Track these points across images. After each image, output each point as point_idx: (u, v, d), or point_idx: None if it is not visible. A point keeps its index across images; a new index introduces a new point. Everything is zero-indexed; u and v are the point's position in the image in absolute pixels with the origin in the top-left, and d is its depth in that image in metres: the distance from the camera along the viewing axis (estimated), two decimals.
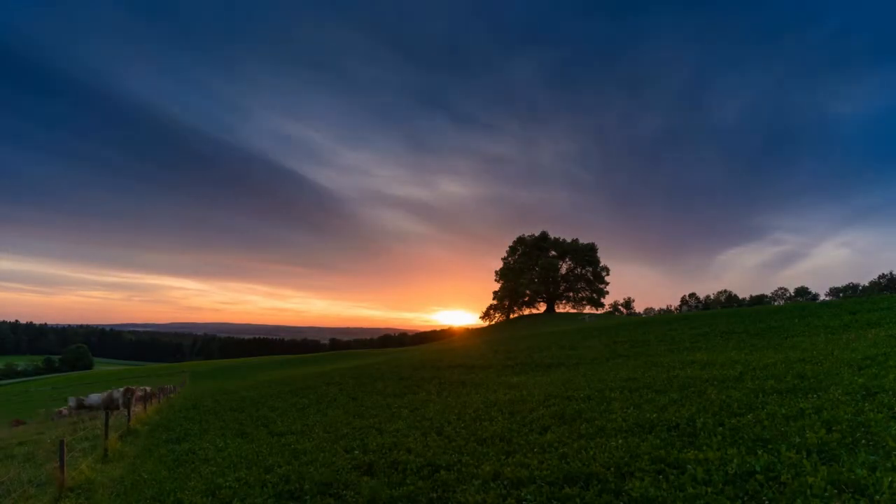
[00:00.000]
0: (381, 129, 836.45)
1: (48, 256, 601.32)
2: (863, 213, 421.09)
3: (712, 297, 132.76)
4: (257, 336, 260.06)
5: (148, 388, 26.79)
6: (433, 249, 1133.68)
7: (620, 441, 7.08)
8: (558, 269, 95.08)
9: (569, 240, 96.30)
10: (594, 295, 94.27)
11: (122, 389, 24.37)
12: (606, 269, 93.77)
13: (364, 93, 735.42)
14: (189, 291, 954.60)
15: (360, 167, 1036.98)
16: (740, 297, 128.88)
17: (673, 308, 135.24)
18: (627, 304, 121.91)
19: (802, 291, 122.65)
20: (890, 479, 4.45)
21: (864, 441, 5.59)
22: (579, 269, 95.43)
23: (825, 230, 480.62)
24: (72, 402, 26.32)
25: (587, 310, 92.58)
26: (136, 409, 19.21)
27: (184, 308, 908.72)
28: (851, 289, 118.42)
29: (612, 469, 6.02)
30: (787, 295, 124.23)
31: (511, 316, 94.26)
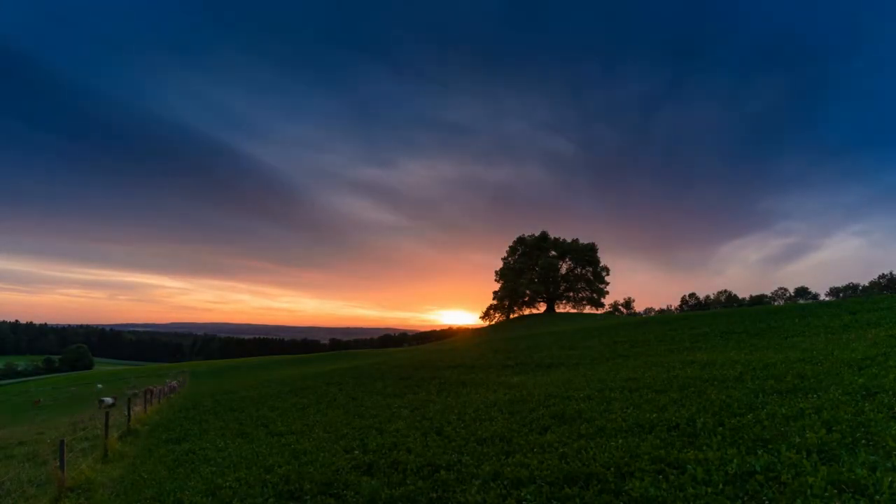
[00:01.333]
0: (307, 85, 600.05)
1: (15, 252, 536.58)
2: (887, 193, 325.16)
3: (712, 296, 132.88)
4: (257, 336, 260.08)
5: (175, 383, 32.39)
6: (410, 243, 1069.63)
7: (620, 441, 7.08)
8: (558, 269, 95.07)
9: (569, 240, 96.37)
10: (594, 295, 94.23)
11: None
12: (606, 269, 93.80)
13: (273, 36, 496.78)
14: (171, 290, 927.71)
15: (304, 141, 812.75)
16: (740, 296, 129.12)
17: (673, 308, 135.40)
18: (627, 304, 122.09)
19: (802, 291, 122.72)
20: (890, 479, 4.45)
21: (864, 441, 5.59)
22: (579, 269, 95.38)
23: (841, 216, 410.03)
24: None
25: (587, 309, 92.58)
26: (136, 409, 19.19)
27: (172, 308, 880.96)
28: (851, 289, 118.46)
29: (612, 469, 6.01)
30: (787, 295, 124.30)
31: (511, 316, 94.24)
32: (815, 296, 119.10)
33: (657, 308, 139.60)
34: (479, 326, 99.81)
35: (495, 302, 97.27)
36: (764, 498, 4.64)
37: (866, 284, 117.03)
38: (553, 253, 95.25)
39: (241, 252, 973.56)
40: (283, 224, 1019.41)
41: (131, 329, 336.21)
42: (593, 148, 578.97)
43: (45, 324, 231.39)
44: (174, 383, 34.37)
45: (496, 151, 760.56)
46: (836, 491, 4.52)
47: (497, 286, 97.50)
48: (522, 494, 5.71)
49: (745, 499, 4.72)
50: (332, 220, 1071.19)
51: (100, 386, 57.21)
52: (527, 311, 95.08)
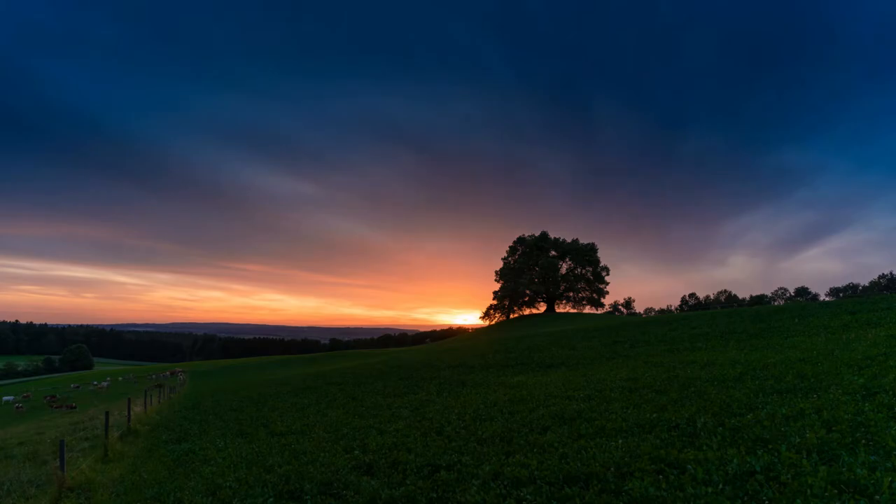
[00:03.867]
0: None
1: None
2: None
3: (712, 297, 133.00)
4: (257, 336, 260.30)
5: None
6: (341, 224, 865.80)
7: (620, 441, 7.08)
8: (558, 269, 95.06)
9: (569, 240, 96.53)
10: (594, 295, 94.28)
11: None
12: (606, 269, 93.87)
13: None
14: (134, 287, 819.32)
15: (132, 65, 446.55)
16: (740, 296, 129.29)
17: (673, 308, 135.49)
18: (627, 304, 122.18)
19: (802, 291, 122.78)
20: (890, 479, 4.45)
21: (864, 441, 5.59)
22: (579, 269, 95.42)
23: (882, 177, 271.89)
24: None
25: (587, 309, 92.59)
26: (137, 409, 19.19)
27: (150, 306, 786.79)
28: (851, 289, 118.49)
29: (612, 469, 6.01)
30: (787, 295, 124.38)
31: (511, 316, 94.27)
32: (815, 296, 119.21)
33: (657, 308, 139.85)
34: (479, 326, 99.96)
35: (495, 302, 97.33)
36: (764, 498, 4.64)
37: (866, 284, 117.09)
38: (553, 253, 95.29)
39: (172, 240, 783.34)
40: (195, 202, 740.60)
41: (132, 329, 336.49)
42: (544, 56, 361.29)
43: (46, 324, 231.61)
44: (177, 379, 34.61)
45: (393, 68, 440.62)
46: (836, 491, 4.52)
47: (497, 286, 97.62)
48: (522, 494, 5.71)
49: (745, 499, 4.72)
50: (237, 193, 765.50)
51: (121, 378, 58.47)
52: (527, 311, 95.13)
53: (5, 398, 43.92)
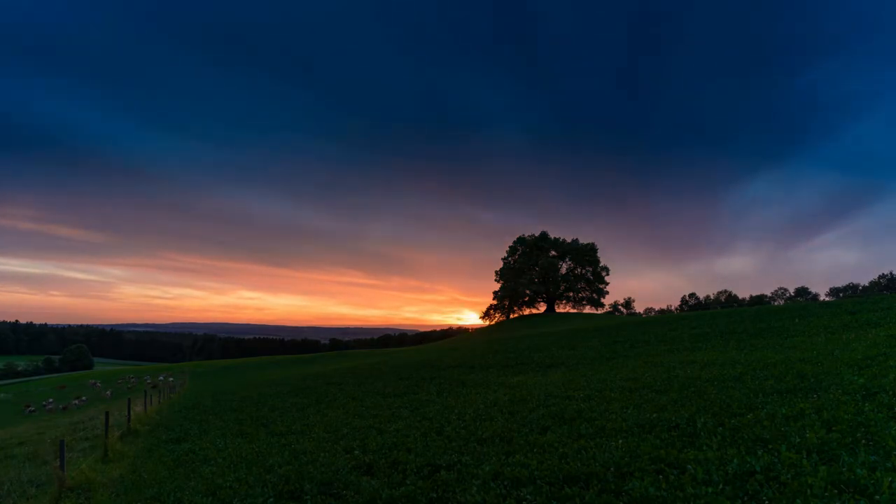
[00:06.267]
0: None
1: None
2: None
3: (712, 297, 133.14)
4: (257, 336, 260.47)
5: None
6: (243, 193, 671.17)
7: (620, 441, 7.08)
8: (558, 269, 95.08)
9: (569, 240, 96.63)
10: (594, 295, 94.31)
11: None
12: (606, 269, 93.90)
13: None
14: (99, 284, 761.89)
15: None
16: (740, 296, 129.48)
17: (673, 308, 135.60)
18: (627, 304, 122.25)
19: (802, 291, 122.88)
20: (890, 479, 4.45)
21: (864, 441, 5.59)
22: (579, 269, 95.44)
23: None
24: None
25: (587, 309, 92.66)
26: (137, 409, 19.19)
27: (128, 304, 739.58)
28: (851, 289, 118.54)
29: (612, 469, 6.01)
30: (787, 295, 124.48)
31: (511, 316, 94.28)
32: (815, 296, 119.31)
33: (657, 308, 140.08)
34: (479, 326, 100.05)
35: (495, 302, 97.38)
36: (764, 498, 4.64)
37: (866, 284, 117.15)
38: (553, 253, 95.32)
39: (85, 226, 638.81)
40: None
41: (132, 329, 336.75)
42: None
43: (46, 324, 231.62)
44: (171, 378, 34.67)
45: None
46: (836, 491, 4.52)
47: (497, 286, 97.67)
48: (522, 494, 5.71)
49: (745, 499, 4.72)
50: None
51: (102, 385, 58.65)
52: (527, 311, 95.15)
53: (75, 401, 43.13)
